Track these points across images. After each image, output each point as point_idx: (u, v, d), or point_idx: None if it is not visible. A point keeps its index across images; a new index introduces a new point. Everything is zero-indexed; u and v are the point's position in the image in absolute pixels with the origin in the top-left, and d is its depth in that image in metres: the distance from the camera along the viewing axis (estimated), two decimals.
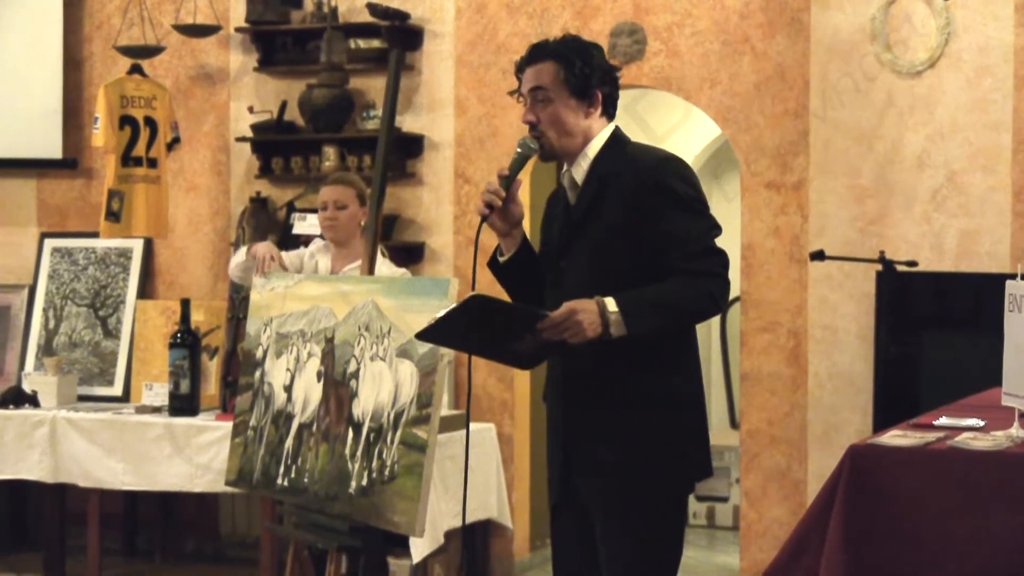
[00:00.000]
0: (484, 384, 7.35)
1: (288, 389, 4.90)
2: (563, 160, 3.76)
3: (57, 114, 8.05)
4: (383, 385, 4.47)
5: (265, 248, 5.43)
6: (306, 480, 4.69)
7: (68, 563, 7.35)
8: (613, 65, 3.75)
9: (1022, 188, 6.47)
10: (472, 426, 6.90)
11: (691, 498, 8.73)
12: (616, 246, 3.56)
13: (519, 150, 3.72)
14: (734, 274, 7.06)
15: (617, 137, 3.72)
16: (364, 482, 4.43)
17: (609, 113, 3.73)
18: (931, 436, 3.25)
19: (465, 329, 3.55)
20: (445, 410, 6.69)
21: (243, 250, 5.63)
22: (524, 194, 7.41)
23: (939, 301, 6.55)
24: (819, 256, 6.38)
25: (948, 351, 6.27)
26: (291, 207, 7.53)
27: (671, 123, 8.21)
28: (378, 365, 4.50)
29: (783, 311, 6.82)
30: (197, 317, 7.12)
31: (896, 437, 3.25)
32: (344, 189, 5.64)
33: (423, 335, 3.61)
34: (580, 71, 3.64)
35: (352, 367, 4.61)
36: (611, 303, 3.44)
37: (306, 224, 7.35)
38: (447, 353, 4.34)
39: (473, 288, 3.68)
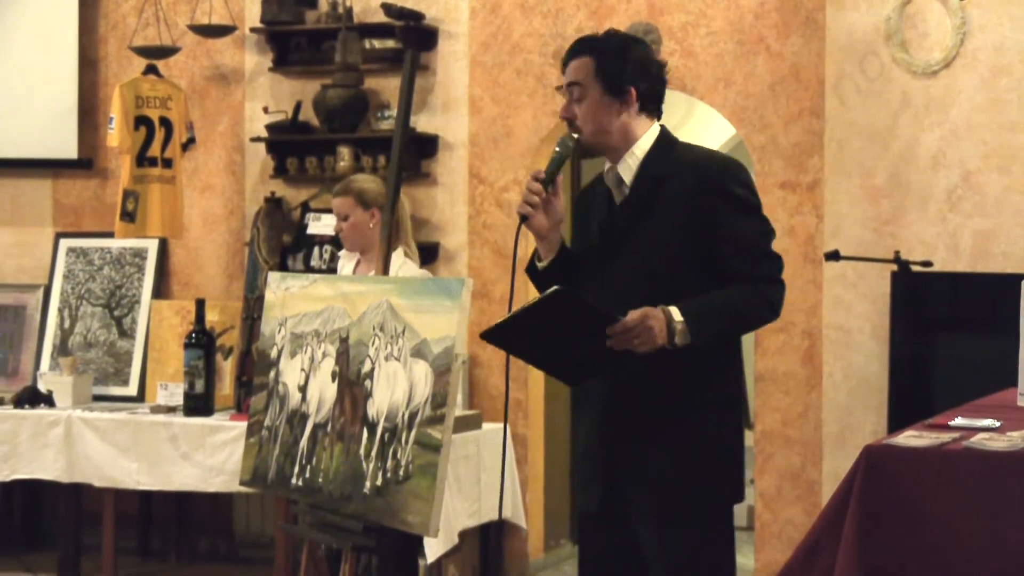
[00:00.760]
0: (498, 384, 7.35)
1: (303, 389, 4.90)
2: (603, 154, 3.71)
3: (72, 114, 8.07)
4: (398, 385, 4.47)
5: None
6: (320, 480, 4.70)
7: (83, 563, 7.36)
8: (656, 61, 3.69)
9: None
10: (485, 426, 6.92)
11: None
12: (674, 248, 3.53)
13: (557, 148, 3.67)
14: None
15: (666, 137, 3.67)
16: (378, 482, 4.43)
17: (650, 110, 3.67)
18: (946, 437, 3.24)
19: (535, 329, 3.49)
20: (460, 410, 6.70)
21: None
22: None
23: (954, 301, 6.54)
24: (834, 256, 6.37)
25: (963, 351, 6.26)
26: (306, 207, 7.54)
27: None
28: (392, 365, 4.50)
29: (798, 311, 6.81)
30: (212, 317, 7.14)
31: (911, 438, 3.24)
32: (343, 200, 5.68)
33: (490, 333, 3.56)
34: (612, 66, 3.60)
35: (367, 367, 4.61)
36: (676, 312, 3.42)
37: (320, 224, 7.36)
38: (461, 353, 4.34)
39: (511, 293, 3.66)
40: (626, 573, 3.63)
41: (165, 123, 7.58)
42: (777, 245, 6.83)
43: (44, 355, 7.90)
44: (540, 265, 3.76)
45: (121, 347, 7.82)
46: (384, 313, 4.60)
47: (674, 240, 3.51)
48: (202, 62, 7.95)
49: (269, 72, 7.77)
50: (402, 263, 5.69)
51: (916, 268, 6.31)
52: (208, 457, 6.66)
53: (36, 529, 8.09)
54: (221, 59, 7.92)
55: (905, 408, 6.19)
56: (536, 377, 7.41)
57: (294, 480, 4.83)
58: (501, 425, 7.12)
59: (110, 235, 7.71)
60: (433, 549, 6.25)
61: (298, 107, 7.63)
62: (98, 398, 7.55)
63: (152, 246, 7.92)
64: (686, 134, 8.86)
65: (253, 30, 7.78)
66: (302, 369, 4.94)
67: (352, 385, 4.66)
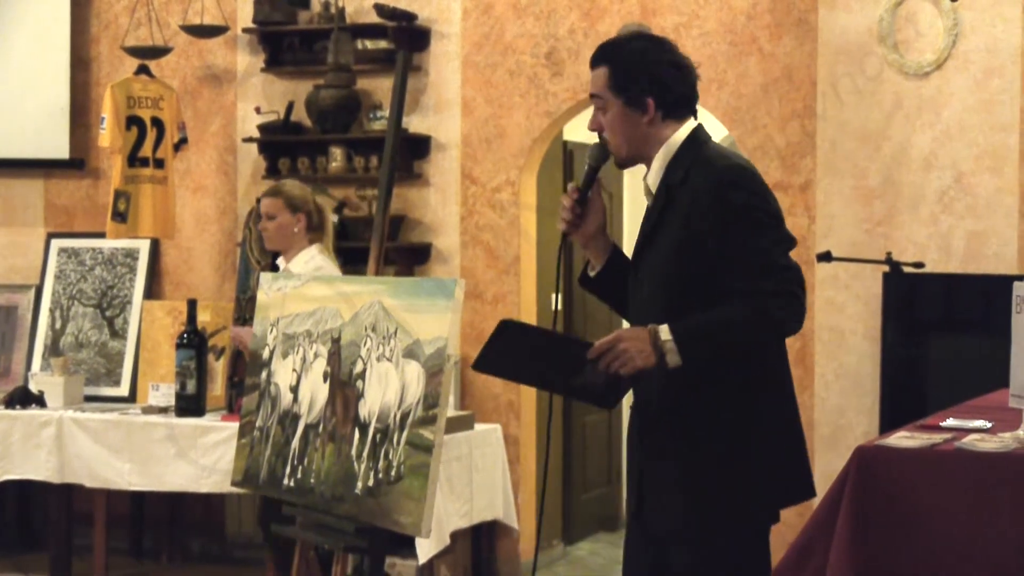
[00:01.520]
0: (490, 385, 7.35)
1: (294, 390, 4.90)
2: (639, 163, 3.57)
3: (64, 114, 8.06)
4: (389, 386, 4.47)
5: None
6: (312, 481, 4.69)
7: (75, 563, 7.34)
8: (678, 63, 3.53)
9: None
10: (478, 427, 6.92)
11: None
12: (681, 258, 3.38)
13: (588, 161, 3.56)
14: None
15: (694, 139, 3.51)
16: (370, 483, 4.43)
17: (678, 115, 3.51)
18: (938, 437, 3.25)
19: (516, 360, 3.41)
20: (452, 411, 6.70)
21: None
22: (530, 196, 7.43)
23: (946, 302, 6.54)
24: (826, 257, 6.37)
25: (955, 353, 6.26)
26: None
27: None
28: (384, 366, 4.50)
29: None
30: (203, 317, 7.13)
31: (903, 438, 3.24)
32: (273, 200, 5.88)
33: (478, 365, 3.49)
34: (626, 77, 3.48)
35: (358, 368, 4.61)
36: (664, 331, 3.29)
37: None
38: (454, 354, 4.34)
39: (556, 308, 3.58)
40: None
41: (157, 123, 7.57)
42: None
43: (35, 355, 7.89)
44: (591, 274, 3.64)
45: (113, 347, 7.81)
46: (376, 314, 4.60)
47: (682, 249, 3.38)
48: (194, 62, 7.94)
49: (261, 72, 7.77)
50: (311, 257, 5.87)
51: (908, 269, 6.31)
52: (200, 458, 6.65)
53: (28, 530, 8.08)
54: (213, 59, 7.91)
55: (897, 409, 6.20)
56: None
57: (286, 481, 4.83)
58: (493, 425, 7.12)
59: (102, 235, 7.70)
60: (425, 550, 6.25)
61: (290, 107, 7.63)
62: (89, 399, 7.53)
63: (144, 246, 7.91)
64: None
65: (245, 30, 7.78)
66: (294, 370, 4.93)
67: (344, 386, 4.66)
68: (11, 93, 8.10)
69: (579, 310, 8.12)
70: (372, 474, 4.43)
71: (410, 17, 7.41)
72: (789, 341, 6.96)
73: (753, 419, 3.40)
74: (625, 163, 3.56)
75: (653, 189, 3.51)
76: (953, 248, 6.56)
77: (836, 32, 6.75)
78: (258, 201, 7.58)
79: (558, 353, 3.38)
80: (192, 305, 6.94)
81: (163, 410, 7.10)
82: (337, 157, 7.49)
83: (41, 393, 7.29)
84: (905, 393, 6.32)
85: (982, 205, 6.53)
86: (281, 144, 7.68)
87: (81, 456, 7.03)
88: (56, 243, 8.10)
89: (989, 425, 3.42)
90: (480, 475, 6.78)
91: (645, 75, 3.47)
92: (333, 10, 7.51)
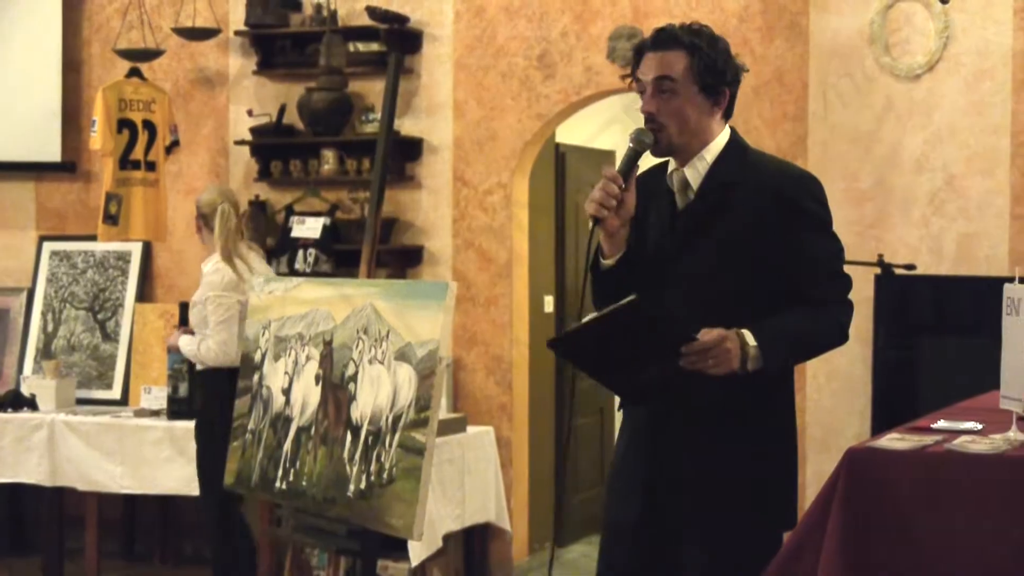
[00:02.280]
0: (483, 387, 7.35)
1: (286, 392, 4.90)
2: (677, 157, 3.50)
3: (56, 117, 8.05)
4: (381, 388, 4.47)
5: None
6: (304, 483, 4.69)
7: (67, 567, 7.34)
8: (740, 64, 3.55)
9: (1021, 192, 6.47)
10: (470, 429, 6.92)
11: None
12: (743, 259, 3.36)
13: (631, 144, 3.44)
14: None
15: (736, 142, 3.53)
16: (362, 485, 4.43)
17: (728, 114, 3.54)
18: (929, 439, 3.25)
19: (606, 340, 3.29)
20: (444, 413, 6.69)
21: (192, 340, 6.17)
22: (523, 198, 7.43)
23: (938, 304, 6.55)
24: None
25: (946, 354, 6.27)
26: (290, 210, 7.54)
27: None
28: (376, 368, 4.50)
29: None
30: None
31: (894, 440, 3.24)
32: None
33: (557, 343, 3.40)
34: (713, 66, 3.44)
35: (350, 370, 4.61)
36: (750, 336, 3.27)
37: (305, 227, 7.36)
38: (445, 356, 4.34)
39: (582, 300, 3.47)
40: None
41: (148, 126, 7.56)
42: None
43: (27, 358, 7.88)
44: (605, 263, 3.51)
45: (105, 350, 7.80)
46: (368, 316, 4.60)
47: (740, 250, 3.36)
48: (186, 65, 7.94)
49: (253, 75, 7.77)
50: (251, 254, 6.22)
51: (900, 271, 6.32)
52: (192, 460, 6.64)
53: (19, 533, 8.06)
54: (205, 62, 7.91)
55: (889, 411, 6.20)
56: (521, 381, 7.41)
57: (278, 483, 4.83)
58: (486, 428, 7.13)
59: (94, 238, 7.70)
60: (417, 552, 6.25)
61: (282, 110, 7.62)
62: (81, 401, 7.53)
63: (136, 249, 7.91)
64: None
65: (237, 33, 7.78)
66: (286, 372, 4.93)
67: (336, 388, 4.66)
68: (3, 96, 8.09)
69: (571, 311, 8.12)
70: (364, 477, 4.43)
71: (402, 20, 7.41)
72: None
73: (784, 427, 3.48)
74: (667, 151, 3.48)
75: (695, 185, 3.46)
76: (944, 250, 6.57)
77: (827, 34, 6.76)
78: (250, 204, 7.62)
79: (658, 339, 3.27)
80: (184, 308, 6.93)
81: (155, 413, 7.10)
82: (329, 160, 7.49)
83: (33, 396, 7.28)
84: (897, 395, 6.33)
85: (973, 207, 6.54)
86: (273, 147, 7.67)
87: (73, 459, 7.03)
88: (48, 246, 8.09)
89: (980, 427, 3.42)
90: (472, 478, 6.78)
91: (731, 68, 3.48)
92: (325, 13, 7.51)
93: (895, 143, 6.66)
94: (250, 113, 7.71)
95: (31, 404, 7.25)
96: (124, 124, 7.50)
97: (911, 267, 6.34)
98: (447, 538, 6.59)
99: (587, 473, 8.42)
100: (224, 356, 6.02)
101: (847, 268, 6.48)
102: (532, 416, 7.53)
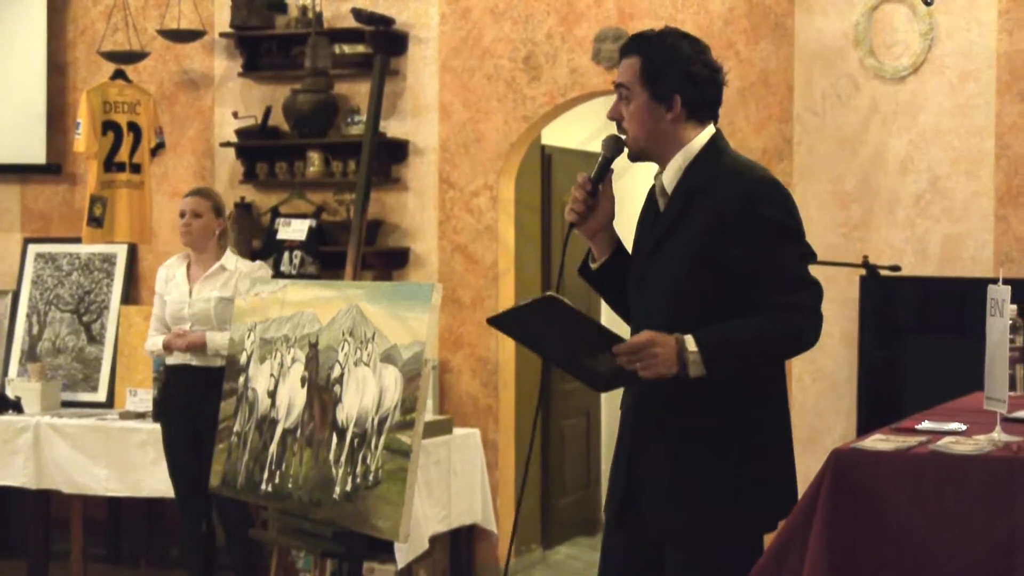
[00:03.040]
0: (468, 389, 7.35)
1: (272, 394, 4.90)
2: (651, 160, 3.51)
3: (41, 119, 8.03)
4: (367, 390, 4.47)
5: (171, 336, 6.14)
6: (290, 486, 4.69)
7: (52, 569, 7.33)
8: (710, 64, 3.48)
9: (1005, 193, 6.49)
10: (456, 431, 6.92)
11: None
12: (700, 266, 3.34)
13: (602, 151, 3.48)
14: None
15: (714, 145, 3.48)
16: (348, 488, 4.43)
17: (701, 117, 3.47)
18: (913, 440, 3.26)
19: (538, 329, 3.36)
20: (430, 415, 6.69)
21: (159, 341, 6.21)
22: (508, 200, 7.43)
23: (922, 306, 6.56)
24: (812, 261, 6.36)
25: (931, 355, 6.28)
26: (275, 212, 7.53)
27: None
28: (362, 370, 4.50)
29: None
30: None
31: (878, 441, 3.25)
32: (200, 200, 6.22)
33: (495, 320, 3.40)
34: (657, 70, 3.42)
35: (336, 372, 4.61)
36: (691, 342, 3.25)
37: (290, 229, 7.35)
38: (431, 358, 4.34)
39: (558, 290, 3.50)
40: None
41: (133, 128, 7.55)
42: None
43: (12, 361, 7.86)
44: (593, 266, 3.57)
45: (90, 353, 7.79)
46: (354, 318, 4.60)
47: (700, 257, 3.33)
48: (171, 67, 7.93)
49: (239, 77, 7.76)
50: (238, 259, 6.27)
51: (885, 273, 6.33)
52: None
53: (4, 536, 8.04)
54: (190, 64, 7.90)
55: (874, 412, 6.21)
56: (507, 382, 7.41)
57: (264, 486, 4.82)
58: (472, 430, 7.13)
59: (79, 240, 7.68)
60: (403, 554, 6.25)
61: (268, 112, 7.62)
62: (67, 404, 7.51)
63: (121, 252, 7.90)
64: None
65: (223, 35, 7.77)
66: (272, 374, 4.93)
67: (321, 390, 4.66)
68: None
69: None
70: (350, 479, 4.43)
71: (387, 22, 7.41)
72: None
73: (763, 427, 3.42)
74: (639, 157, 3.49)
75: (669, 190, 3.46)
76: (929, 251, 6.58)
77: (812, 36, 6.77)
78: (236, 206, 7.61)
79: (584, 337, 3.32)
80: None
81: (140, 415, 7.09)
82: (315, 162, 7.48)
83: (18, 399, 7.27)
84: (882, 396, 6.34)
85: (958, 208, 6.55)
86: (259, 149, 7.66)
87: (58, 462, 7.01)
88: (33, 248, 8.08)
89: (964, 428, 3.43)
90: (458, 479, 6.78)
91: (677, 71, 3.43)
92: (310, 15, 7.50)
93: (880, 145, 6.67)
94: (235, 115, 7.70)
95: (16, 407, 7.24)
96: (109, 126, 7.49)
97: (896, 268, 6.35)
98: (433, 540, 6.58)
99: (573, 475, 8.43)
100: None
101: (832, 269, 6.52)
102: (518, 418, 7.53)
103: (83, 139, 7.41)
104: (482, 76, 7.34)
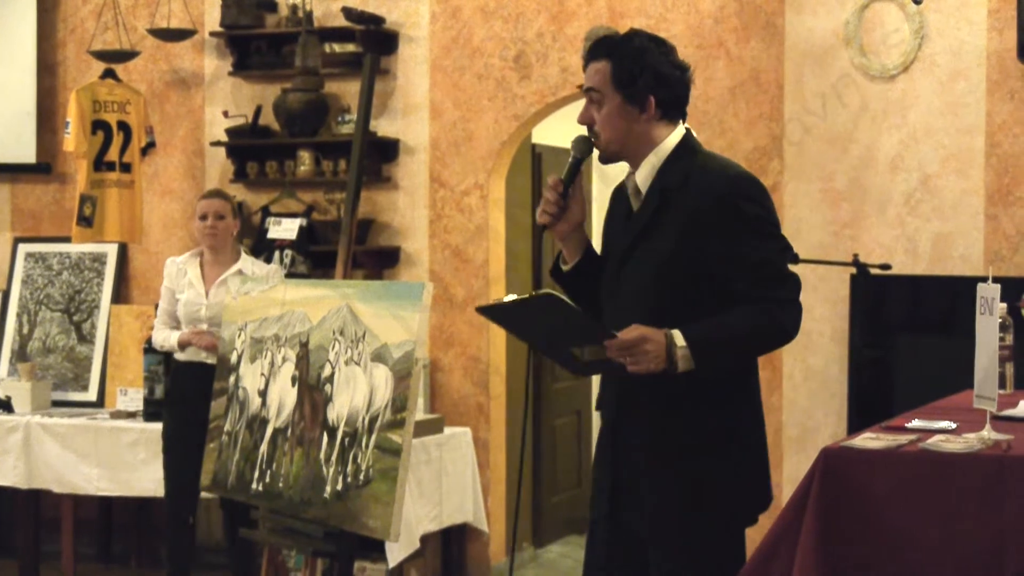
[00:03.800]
0: (460, 388, 7.35)
1: (263, 394, 4.89)
2: (623, 161, 3.55)
3: (31, 118, 8.02)
4: (358, 389, 4.47)
5: (190, 333, 6.17)
6: (281, 485, 4.69)
7: (43, 569, 7.32)
8: (678, 64, 3.51)
9: (995, 191, 6.50)
10: (447, 430, 6.92)
11: None
12: (678, 264, 3.38)
13: (572, 153, 3.52)
14: None
15: (686, 144, 3.51)
16: (339, 487, 4.43)
17: (671, 116, 3.50)
18: (903, 439, 3.26)
19: (529, 321, 3.42)
20: (421, 414, 6.69)
21: (172, 336, 6.21)
22: (499, 199, 7.43)
23: (913, 304, 6.57)
24: (793, 259, 6.37)
25: (922, 354, 6.29)
26: (266, 211, 7.52)
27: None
28: (353, 369, 4.50)
29: None
30: None
31: (868, 440, 3.26)
32: (222, 203, 6.27)
33: (485, 310, 3.45)
34: (629, 73, 3.45)
35: (327, 371, 4.61)
36: (679, 338, 3.28)
37: (281, 228, 7.34)
38: (422, 357, 4.34)
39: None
40: None
41: (123, 127, 7.54)
42: None
43: (2, 360, 7.85)
44: (564, 268, 3.62)
45: (80, 352, 7.78)
46: (344, 317, 4.60)
47: (679, 255, 3.37)
48: (161, 66, 7.92)
49: (229, 76, 7.75)
50: (254, 260, 6.39)
51: (875, 271, 6.34)
52: None
53: None
54: (181, 63, 7.89)
55: (865, 410, 6.22)
56: (498, 382, 7.41)
57: (254, 485, 4.82)
58: (463, 429, 7.13)
59: (69, 240, 7.67)
60: (394, 554, 6.25)
61: (258, 111, 7.61)
62: (57, 404, 7.51)
63: (111, 251, 7.89)
64: None
65: (213, 34, 7.76)
66: (262, 374, 4.93)
67: (312, 390, 4.65)
68: None
69: None
70: (341, 478, 4.43)
71: (378, 21, 7.41)
72: None
73: (739, 423, 3.45)
74: (611, 159, 3.54)
75: (643, 190, 3.49)
76: (919, 250, 6.59)
77: (802, 35, 6.77)
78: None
79: (575, 330, 3.36)
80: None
81: (131, 415, 7.08)
82: (305, 161, 7.48)
83: (8, 398, 7.26)
84: (872, 394, 6.35)
85: (948, 207, 6.56)
86: (249, 148, 7.66)
87: (49, 461, 7.01)
88: (23, 247, 8.07)
89: (954, 426, 3.44)
90: (449, 478, 6.78)
91: (649, 72, 3.46)
92: (301, 14, 7.50)
93: (870, 143, 6.68)
94: (226, 114, 7.69)
95: (6, 406, 7.23)
96: (99, 125, 7.48)
97: (886, 267, 6.36)
98: (424, 539, 6.58)
99: (565, 474, 8.43)
100: None
101: (823, 268, 6.53)
102: (509, 417, 7.53)
103: (72, 138, 7.41)
104: (472, 75, 7.34)
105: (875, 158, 6.67)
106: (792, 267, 6.62)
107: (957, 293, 6.26)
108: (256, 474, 4.82)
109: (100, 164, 7.48)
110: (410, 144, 7.46)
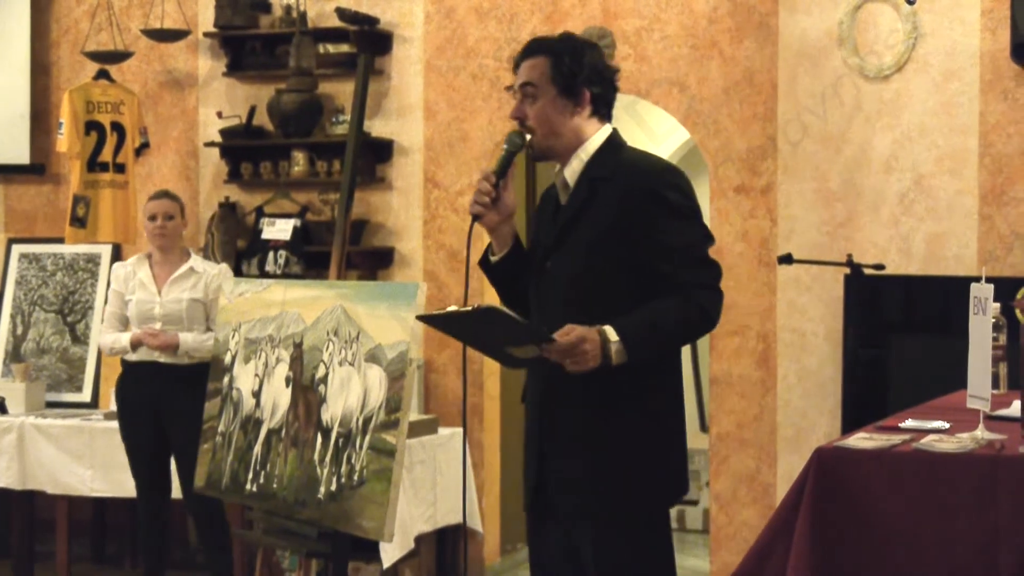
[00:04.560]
0: (454, 388, 7.34)
1: (257, 395, 4.89)
2: (554, 159, 3.67)
3: (24, 119, 8.01)
4: (352, 390, 4.47)
5: (142, 333, 6.19)
6: (275, 486, 4.69)
7: (37, 570, 7.31)
8: (611, 66, 3.66)
9: (988, 191, 6.50)
10: (442, 431, 6.91)
11: None
12: (605, 253, 3.48)
13: (505, 146, 3.63)
14: None
15: (613, 141, 3.63)
16: (333, 487, 4.43)
17: (602, 114, 3.63)
18: (897, 438, 3.26)
19: (470, 327, 3.51)
20: (415, 415, 6.69)
21: (122, 337, 6.26)
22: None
23: (907, 304, 6.58)
24: (787, 260, 6.39)
25: (916, 354, 6.29)
26: (260, 212, 7.52)
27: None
28: (347, 370, 4.50)
29: (752, 314, 6.84)
30: None
31: (862, 439, 3.26)
32: (171, 203, 6.32)
33: (424, 318, 3.54)
34: (568, 68, 3.57)
35: (321, 372, 4.61)
36: (612, 333, 3.37)
37: (275, 229, 7.34)
38: (416, 358, 4.34)
39: (466, 289, 3.64)
40: (568, 568, 3.61)
41: (117, 128, 7.54)
42: (731, 249, 6.90)
43: None
44: (493, 259, 3.72)
45: (74, 353, 7.77)
46: (338, 318, 4.60)
47: (605, 245, 3.48)
48: (155, 67, 7.91)
49: (223, 77, 7.74)
50: (202, 260, 6.42)
51: (869, 271, 6.34)
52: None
53: None
54: (175, 64, 7.88)
55: (859, 410, 6.22)
56: (492, 382, 7.41)
57: (248, 486, 4.82)
58: (458, 429, 7.12)
59: (63, 241, 7.67)
60: (389, 554, 6.24)
61: (252, 112, 7.61)
62: (51, 404, 7.50)
63: (105, 252, 7.88)
64: (640, 139, 8.93)
65: (207, 35, 7.75)
66: (256, 374, 4.93)
67: (306, 390, 4.65)
68: None
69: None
70: (335, 479, 4.43)
71: (372, 21, 7.41)
72: (751, 344, 7.03)
73: (662, 410, 3.55)
74: (541, 154, 3.66)
75: (571, 183, 3.60)
76: (913, 250, 6.59)
77: (796, 35, 6.78)
78: (220, 206, 7.60)
79: (515, 336, 3.44)
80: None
81: None
82: (299, 161, 7.48)
83: (2, 399, 7.25)
84: (867, 394, 6.35)
85: (942, 207, 6.57)
86: (243, 149, 7.65)
87: (43, 462, 7.00)
88: (17, 248, 8.05)
89: (947, 426, 3.44)
90: (444, 479, 6.77)
91: (587, 68, 3.59)
92: (295, 14, 7.50)
93: (864, 143, 6.68)
94: (220, 115, 7.69)
95: (0, 407, 7.22)
96: (92, 126, 7.47)
97: (880, 267, 6.36)
98: (419, 540, 6.58)
99: None
100: None
101: (817, 268, 6.53)
102: (504, 418, 7.53)
103: (65, 139, 7.41)
104: (467, 75, 7.34)
105: (869, 158, 6.67)
106: (786, 267, 6.68)
107: (951, 293, 6.25)
108: (250, 475, 4.82)
109: (93, 165, 7.48)
110: (404, 144, 7.46)
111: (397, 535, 5.65)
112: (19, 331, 7.90)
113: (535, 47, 3.64)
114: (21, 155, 8.03)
